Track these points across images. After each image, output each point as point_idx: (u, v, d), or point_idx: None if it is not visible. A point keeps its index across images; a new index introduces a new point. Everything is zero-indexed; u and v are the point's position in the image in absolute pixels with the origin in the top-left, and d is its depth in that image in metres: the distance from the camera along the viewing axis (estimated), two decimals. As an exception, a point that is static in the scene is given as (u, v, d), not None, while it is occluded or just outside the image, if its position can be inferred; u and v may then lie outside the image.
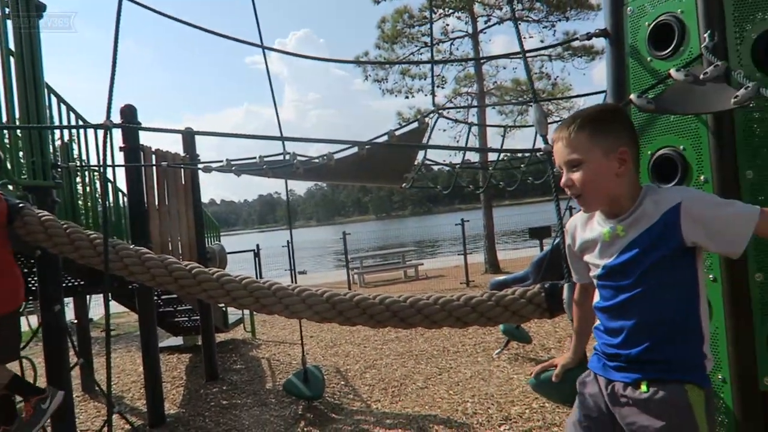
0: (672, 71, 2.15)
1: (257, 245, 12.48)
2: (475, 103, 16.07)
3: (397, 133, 4.29)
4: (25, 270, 4.35)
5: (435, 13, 15.23)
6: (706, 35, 2.13)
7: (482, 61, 15.03)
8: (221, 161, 4.34)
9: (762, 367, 2.19)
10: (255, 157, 4.75)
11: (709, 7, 2.16)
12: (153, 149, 5.73)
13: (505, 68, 16.46)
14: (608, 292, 1.62)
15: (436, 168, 8.62)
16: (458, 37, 16.02)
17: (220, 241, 8.75)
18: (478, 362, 5.86)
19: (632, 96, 2.25)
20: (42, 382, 5.78)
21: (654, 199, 1.54)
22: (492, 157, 7.85)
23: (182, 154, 6.39)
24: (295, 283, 3.23)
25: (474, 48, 15.78)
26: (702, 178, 2.20)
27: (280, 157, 4.90)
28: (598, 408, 1.62)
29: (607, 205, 1.60)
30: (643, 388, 1.50)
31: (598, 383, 1.64)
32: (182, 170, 6.19)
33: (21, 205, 3.22)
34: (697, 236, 1.49)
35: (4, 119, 3.73)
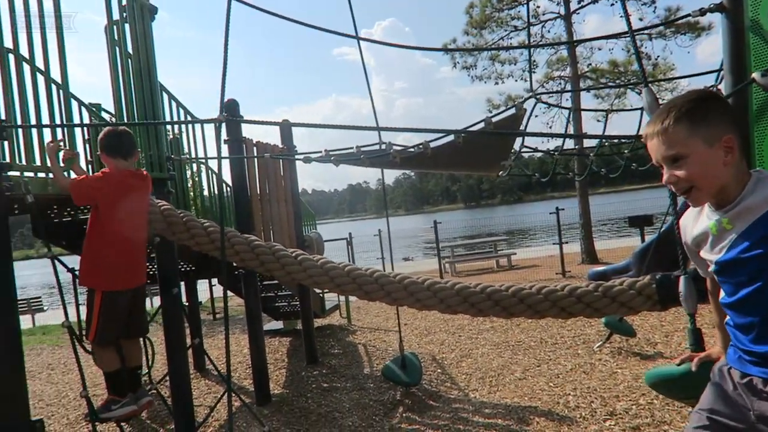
0: (804, 46, 1.99)
1: (349, 233, 12.80)
2: (568, 87, 15.49)
3: (494, 119, 4.22)
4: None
5: (527, -5, 14.83)
6: None
7: (576, 43, 14.44)
8: (320, 152, 4.46)
9: None
10: (351, 147, 4.85)
11: None
12: (254, 141, 6.01)
13: (600, 50, 15.63)
14: (728, 287, 1.55)
15: (526, 155, 8.30)
16: (550, 20, 15.51)
17: (316, 229, 9.03)
18: (579, 355, 5.70)
19: (755, 74, 2.11)
20: (159, 360, 6.26)
21: (763, 190, 1.45)
22: (589, 142, 7.56)
23: (279, 145, 6.65)
24: (392, 270, 3.28)
25: (567, 30, 15.19)
26: (839, 161, 2.03)
27: (376, 147, 4.98)
28: (730, 400, 1.55)
29: (715, 197, 1.52)
30: None
31: (730, 375, 1.58)
32: (280, 161, 6.44)
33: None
34: None
35: (125, 117, 4.03)
